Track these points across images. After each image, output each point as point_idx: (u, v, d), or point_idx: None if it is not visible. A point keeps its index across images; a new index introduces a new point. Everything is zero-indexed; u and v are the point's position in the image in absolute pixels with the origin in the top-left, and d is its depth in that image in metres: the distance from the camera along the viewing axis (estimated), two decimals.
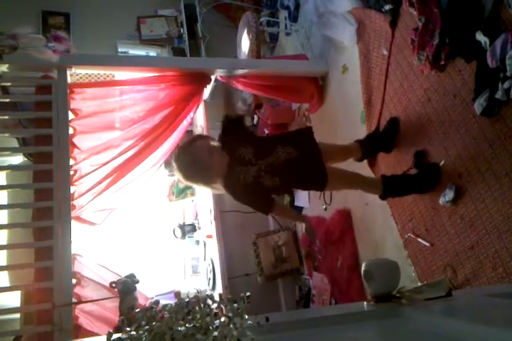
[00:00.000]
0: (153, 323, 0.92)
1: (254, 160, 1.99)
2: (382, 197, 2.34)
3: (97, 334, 2.47)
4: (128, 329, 0.91)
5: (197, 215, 3.76)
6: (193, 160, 1.94)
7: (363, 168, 2.59)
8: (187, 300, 0.97)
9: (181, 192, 3.80)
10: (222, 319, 0.95)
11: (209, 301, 0.99)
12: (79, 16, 4.34)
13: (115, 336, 0.92)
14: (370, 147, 2.49)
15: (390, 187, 2.26)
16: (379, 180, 2.30)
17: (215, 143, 2.03)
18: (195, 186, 2.10)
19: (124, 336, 0.90)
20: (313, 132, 2.21)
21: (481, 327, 0.92)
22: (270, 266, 3.67)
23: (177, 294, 3.59)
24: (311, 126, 2.29)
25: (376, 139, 2.51)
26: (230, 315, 0.95)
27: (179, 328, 0.90)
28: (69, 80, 2.90)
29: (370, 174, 2.64)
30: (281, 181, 1.99)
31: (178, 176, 2.01)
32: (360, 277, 2.76)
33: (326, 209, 3.30)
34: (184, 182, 2.04)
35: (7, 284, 2.60)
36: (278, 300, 3.78)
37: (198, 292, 3.43)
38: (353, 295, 2.82)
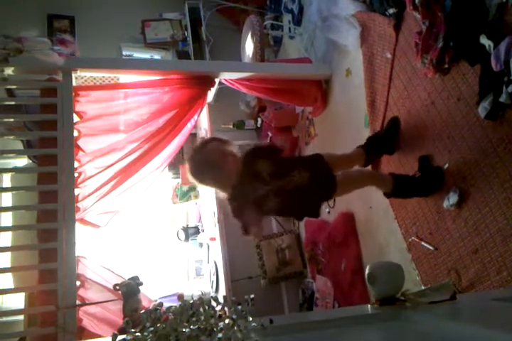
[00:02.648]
0: (158, 325, 0.92)
1: (268, 179, 1.91)
2: (388, 196, 2.32)
3: (100, 337, 2.47)
4: (133, 330, 0.92)
5: (200, 218, 3.76)
6: (205, 160, 1.91)
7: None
8: (191, 301, 0.97)
9: (185, 195, 3.81)
10: (227, 321, 0.95)
11: (213, 303, 0.99)
12: (84, 20, 4.37)
13: (120, 337, 0.92)
14: (373, 152, 2.47)
15: (400, 188, 2.24)
16: (390, 177, 2.26)
17: (232, 148, 1.97)
18: (202, 186, 2.04)
19: (128, 337, 0.91)
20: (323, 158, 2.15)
21: (485, 330, 0.92)
22: (273, 269, 3.67)
23: (180, 297, 3.59)
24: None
25: (378, 141, 2.49)
26: (234, 317, 0.95)
27: (184, 330, 0.91)
28: (74, 83, 2.91)
29: None
30: (287, 206, 1.94)
31: (188, 175, 1.96)
32: (363, 280, 2.75)
33: (329, 212, 3.30)
34: (192, 181, 1.99)
35: (11, 286, 2.61)
36: (281, 303, 3.77)
37: (202, 294, 3.43)
38: (356, 298, 2.81)
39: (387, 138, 2.47)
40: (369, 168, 2.58)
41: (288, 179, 1.94)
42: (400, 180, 2.25)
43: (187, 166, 1.95)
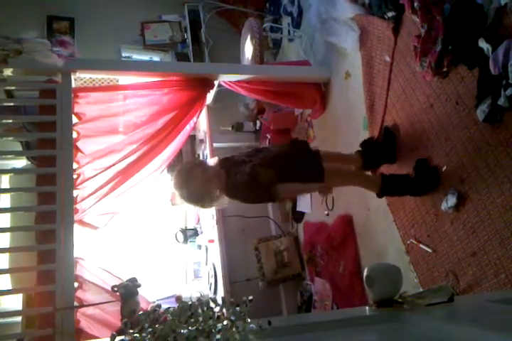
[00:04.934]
0: (156, 326, 0.92)
1: (247, 159, 2.01)
2: (380, 195, 2.35)
3: (98, 338, 2.46)
4: (131, 331, 0.92)
5: (199, 220, 3.76)
6: (187, 184, 1.96)
7: None
8: (190, 303, 0.97)
9: None
10: (225, 322, 0.95)
11: (212, 304, 0.99)
12: (83, 21, 4.37)
13: (118, 338, 0.92)
14: (370, 157, 2.48)
15: (388, 186, 2.27)
16: (378, 178, 2.31)
17: (208, 167, 2.05)
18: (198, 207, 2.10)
19: (127, 338, 0.91)
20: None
21: (483, 332, 0.93)
22: (272, 271, 3.66)
23: (178, 298, 3.59)
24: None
25: (377, 152, 2.51)
26: (233, 318, 0.95)
27: (182, 331, 0.91)
28: (73, 84, 2.91)
29: None
30: (277, 172, 1.97)
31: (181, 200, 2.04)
32: (362, 283, 2.75)
33: (328, 214, 3.30)
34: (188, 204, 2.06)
35: (9, 287, 2.61)
36: (279, 305, 3.76)
37: (201, 295, 3.42)
38: (354, 300, 2.81)
39: (385, 149, 2.50)
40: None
41: (265, 152, 2.06)
42: (388, 179, 2.28)
43: (180, 197, 2.00)
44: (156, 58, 4.43)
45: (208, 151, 3.44)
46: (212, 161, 2.09)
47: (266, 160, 2.00)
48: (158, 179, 3.16)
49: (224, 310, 0.99)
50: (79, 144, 2.82)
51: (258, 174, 1.94)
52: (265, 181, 1.95)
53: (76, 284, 2.53)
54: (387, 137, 2.52)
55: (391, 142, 2.50)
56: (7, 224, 2.74)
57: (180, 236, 3.74)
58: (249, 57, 3.58)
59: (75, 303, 2.44)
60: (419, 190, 2.24)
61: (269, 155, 2.03)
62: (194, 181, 1.94)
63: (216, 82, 3.20)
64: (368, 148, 2.50)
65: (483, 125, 1.92)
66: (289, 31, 4.03)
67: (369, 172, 2.62)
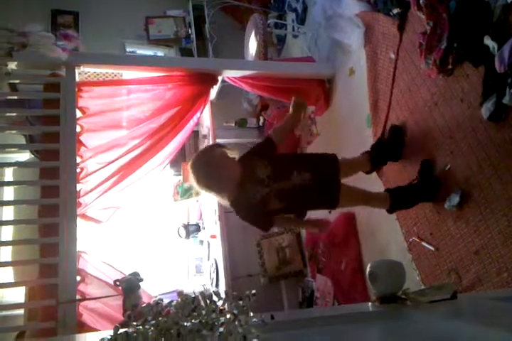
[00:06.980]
0: (160, 318, 0.92)
1: (267, 182, 1.92)
2: (390, 211, 2.30)
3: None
4: (134, 323, 0.92)
5: (201, 215, 3.76)
6: (207, 168, 1.87)
7: (367, 177, 2.56)
8: (193, 296, 0.97)
9: (186, 192, 3.81)
10: (228, 316, 0.95)
11: (215, 298, 1.00)
12: (88, 15, 4.37)
13: (122, 330, 0.92)
14: (378, 159, 2.46)
15: (398, 200, 2.23)
16: (386, 194, 2.25)
17: (231, 154, 1.95)
18: (207, 193, 2.04)
19: (130, 330, 0.91)
20: (337, 160, 2.14)
21: (484, 330, 0.93)
22: (274, 267, 3.66)
23: (180, 293, 3.60)
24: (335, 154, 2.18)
25: (383, 150, 2.49)
26: (236, 312, 0.96)
27: (185, 324, 0.91)
28: (77, 79, 2.91)
29: (373, 183, 2.63)
30: (287, 205, 1.97)
31: (193, 183, 1.94)
32: (363, 280, 2.76)
33: (330, 212, 3.29)
34: (198, 189, 1.99)
35: (12, 280, 2.62)
36: (281, 301, 3.76)
37: (204, 289, 3.43)
38: (356, 298, 2.81)
39: (392, 147, 2.48)
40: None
41: (286, 182, 1.95)
42: (396, 193, 2.24)
43: (191, 174, 1.93)
44: (160, 53, 4.43)
45: None
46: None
47: (284, 192, 1.94)
48: (161, 174, 3.16)
49: (227, 304, 0.99)
50: (82, 138, 2.83)
51: (269, 203, 1.93)
52: (269, 211, 1.96)
53: (78, 278, 2.54)
54: (394, 135, 2.50)
55: (399, 140, 2.48)
56: (10, 217, 2.76)
57: (183, 232, 3.75)
58: (253, 53, 3.57)
59: (78, 297, 2.45)
60: (429, 194, 2.22)
61: (288, 187, 1.95)
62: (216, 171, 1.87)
63: (220, 78, 3.19)
64: (377, 151, 2.47)
65: (487, 123, 1.91)
66: (293, 27, 4.02)
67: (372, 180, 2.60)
